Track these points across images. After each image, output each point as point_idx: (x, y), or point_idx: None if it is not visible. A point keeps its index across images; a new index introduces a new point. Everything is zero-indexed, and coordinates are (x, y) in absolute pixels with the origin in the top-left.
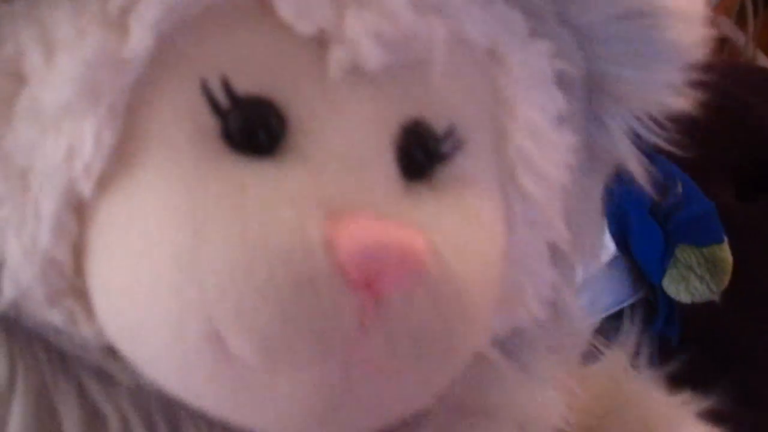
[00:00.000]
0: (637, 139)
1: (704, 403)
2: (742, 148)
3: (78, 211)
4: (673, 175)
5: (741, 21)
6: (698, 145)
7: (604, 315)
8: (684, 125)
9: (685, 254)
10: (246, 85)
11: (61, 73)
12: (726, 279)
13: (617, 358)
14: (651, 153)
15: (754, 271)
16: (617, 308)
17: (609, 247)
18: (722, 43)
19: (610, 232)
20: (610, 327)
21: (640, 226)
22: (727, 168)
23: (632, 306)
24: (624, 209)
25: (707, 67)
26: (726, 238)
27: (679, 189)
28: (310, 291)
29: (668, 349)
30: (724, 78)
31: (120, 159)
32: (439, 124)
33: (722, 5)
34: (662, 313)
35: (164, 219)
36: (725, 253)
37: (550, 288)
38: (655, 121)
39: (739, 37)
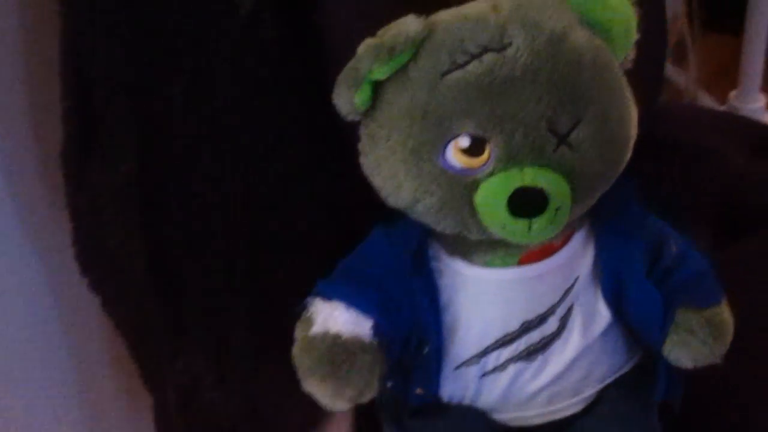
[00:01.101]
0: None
1: None
2: (715, 193)
3: None
4: (666, 234)
5: (680, 61)
6: (671, 193)
7: (601, 386)
8: (657, 175)
9: (686, 318)
10: None
11: None
12: (729, 341)
13: None
14: (643, 211)
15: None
16: (613, 378)
17: (604, 315)
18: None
19: (604, 299)
20: (607, 397)
21: (637, 291)
22: (698, 217)
23: (628, 374)
24: (619, 274)
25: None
26: (725, 299)
27: (674, 248)
28: None
29: (670, 416)
30: (681, 122)
31: None
32: None
33: None
34: (662, 379)
35: None
36: (726, 313)
37: None
38: None
39: (680, 78)
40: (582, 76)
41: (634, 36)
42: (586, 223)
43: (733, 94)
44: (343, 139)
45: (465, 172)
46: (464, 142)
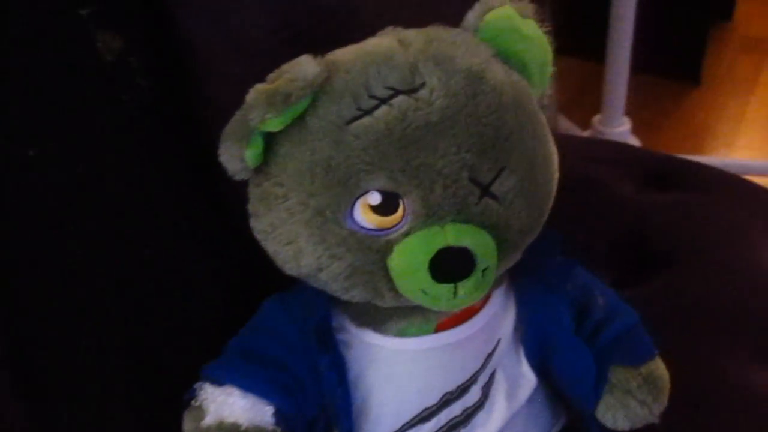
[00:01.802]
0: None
1: None
2: (611, 232)
3: None
4: (591, 285)
5: None
6: (568, 237)
7: None
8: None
9: (621, 377)
10: None
11: None
12: (666, 398)
13: None
14: (568, 261)
15: None
16: None
17: (529, 378)
18: None
19: (528, 361)
20: None
21: (565, 350)
22: (596, 257)
23: None
24: (543, 332)
25: None
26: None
27: (601, 301)
28: None
29: None
30: (565, 152)
31: None
32: None
33: None
34: None
35: None
36: (662, 368)
37: None
38: None
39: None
40: (504, 118)
41: (551, 68)
42: (505, 278)
43: (597, 118)
44: (227, 201)
45: (376, 232)
46: (375, 199)
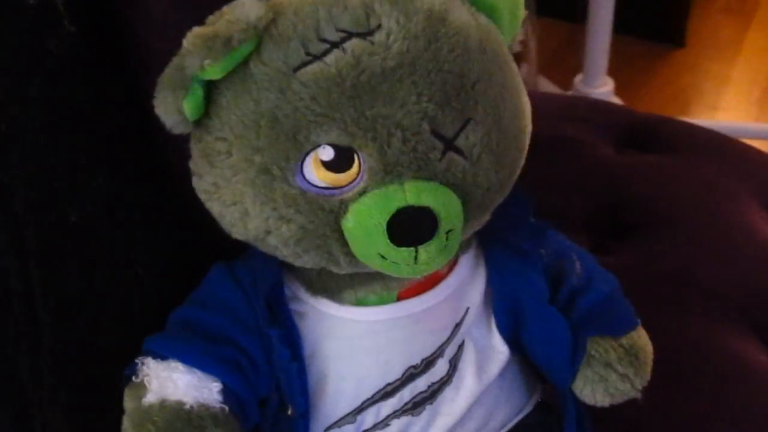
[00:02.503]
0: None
1: None
2: (589, 195)
3: None
4: (567, 251)
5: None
6: (543, 198)
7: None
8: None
9: (600, 348)
10: None
11: None
12: (649, 371)
13: None
14: (541, 225)
15: None
16: (515, 422)
17: (501, 350)
18: None
19: (500, 332)
20: None
21: (539, 320)
22: (573, 220)
23: (531, 414)
24: (516, 300)
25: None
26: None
27: (578, 268)
28: None
29: None
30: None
31: None
32: None
33: None
34: (571, 421)
35: None
36: (644, 339)
37: None
38: None
39: (520, 66)
40: (469, 65)
41: (523, 12)
42: (473, 242)
43: (578, 78)
44: (167, 157)
45: (329, 191)
46: (326, 154)
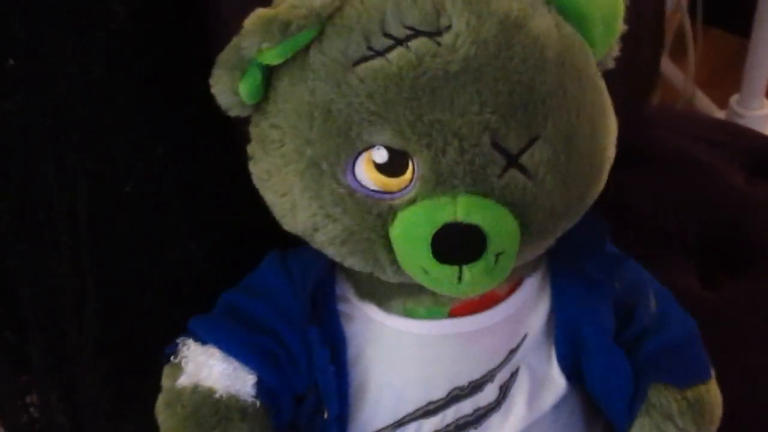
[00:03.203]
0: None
1: None
2: (707, 221)
3: None
4: (644, 286)
5: (677, 58)
6: (651, 219)
7: None
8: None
9: (662, 398)
10: None
11: None
12: (714, 430)
13: None
14: (618, 255)
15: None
16: None
17: (558, 383)
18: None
19: (559, 364)
20: None
21: (601, 357)
22: (685, 246)
23: None
24: (579, 333)
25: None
26: (713, 373)
27: (653, 305)
28: None
29: None
30: (674, 129)
31: None
32: None
33: None
34: None
35: None
36: (714, 394)
37: None
38: None
39: (677, 76)
40: (543, 77)
41: (620, 26)
42: (542, 265)
43: (734, 98)
44: (230, 136)
45: (379, 195)
46: (380, 156)
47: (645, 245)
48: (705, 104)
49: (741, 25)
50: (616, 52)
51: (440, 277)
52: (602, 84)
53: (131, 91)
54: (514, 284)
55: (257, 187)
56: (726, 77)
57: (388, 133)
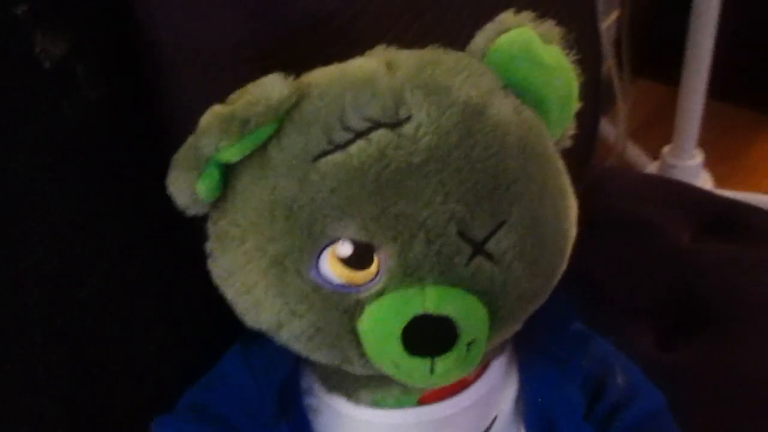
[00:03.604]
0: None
1: None
2: (659, 283)
3: None
4: (611, 362)
5: (607, 111)
6: (604, 279)
7: None
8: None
9: None
10: None
11: None
12: None
13: None
14: (583, 332)
15: None
16: None
17: None
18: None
19: None
20: None
21: None
22: (637, 310)
23: None
24: (549, 412)
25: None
26: None
27: (621, 380)
28: None
29: None
30: (618, 190)
31: None
32: None
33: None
34: None
35: None
36: None
37: None
38: None
39: (608, 129)
40: (506, 164)
41: (576, 104)
42: (508, 346)
43: (666, 149)
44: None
45: (346, 289)
46: (345, 250)
47: (598, 309)
48: (637, 156)
49: (669, 75)
50: (572, 130)
51: (412, 369)
52: (561, 164)
53: (85, 192)
54: (481, 367)
55: (217, 284)
56: (656, 128)
57: (353, 227)
